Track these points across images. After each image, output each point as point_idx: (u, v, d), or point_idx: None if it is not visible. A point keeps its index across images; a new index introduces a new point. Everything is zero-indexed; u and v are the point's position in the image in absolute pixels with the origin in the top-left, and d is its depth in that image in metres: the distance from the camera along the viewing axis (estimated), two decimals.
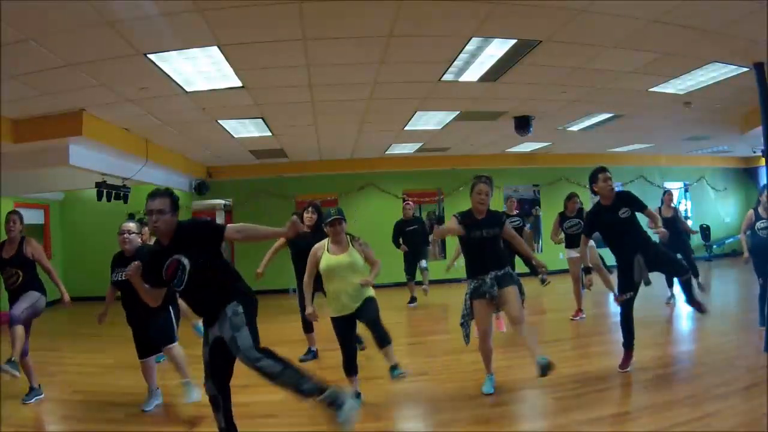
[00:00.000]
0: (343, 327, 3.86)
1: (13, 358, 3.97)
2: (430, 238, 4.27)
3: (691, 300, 4.50)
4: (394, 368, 3.81)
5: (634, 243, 4.28)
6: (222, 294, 2.90)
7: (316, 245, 3.99)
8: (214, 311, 2.89)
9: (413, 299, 8.59)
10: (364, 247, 3.92)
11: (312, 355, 5.24)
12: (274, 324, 6.74)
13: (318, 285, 3.99)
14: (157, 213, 2.84)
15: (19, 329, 4.06)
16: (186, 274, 2.81)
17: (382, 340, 3.81)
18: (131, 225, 3.98)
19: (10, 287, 4.25)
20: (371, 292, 3.93)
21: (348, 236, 3.93)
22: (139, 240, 4.04)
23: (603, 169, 4.31)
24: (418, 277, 8.57)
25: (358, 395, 3.90)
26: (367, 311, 3.83)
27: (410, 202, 8.88)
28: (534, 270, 5.84)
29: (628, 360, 4.36)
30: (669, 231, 6.12)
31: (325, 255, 3.87)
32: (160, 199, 2.87)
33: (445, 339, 6.16)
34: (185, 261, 2.81)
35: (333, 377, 4.10)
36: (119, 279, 3.90)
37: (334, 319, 3.90)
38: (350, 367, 3.89)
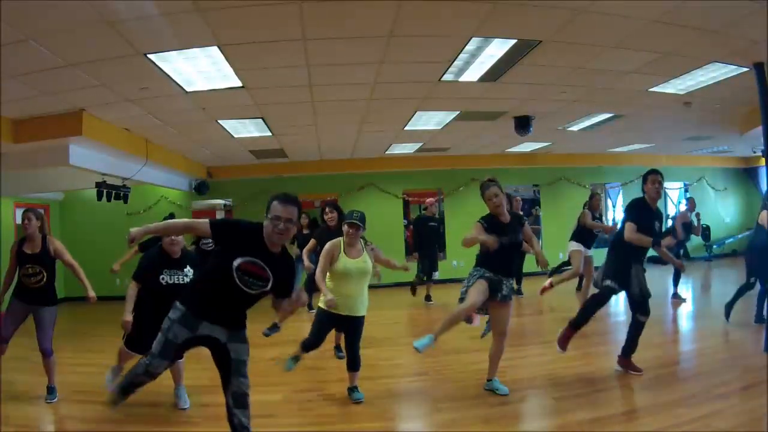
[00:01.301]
0: (328, 321, 3.96)
1: (53, 386, 4.24)
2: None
3: (630, 345, 4.34)
4: (355, 390, 4.00)
5: (644, 255, 4.31)
6: (245, 318, 2.86)
7: (332, 242, 4.01)
8: (232, 323, 2.78)
9: (428, 297, 8.71)
10: (376, 251, 4.05)
11: (277, 329, 5.61)
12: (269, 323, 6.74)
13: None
14: (287, 221, 2.66)
15: (54, 359, 4.26)
16: (260, 291, 2.71)
17: (355, 364, 3.98)
18: None
19: (34, 285, 4.17)
20: (365, 310, 3.99)
21: (362, 240, 4.01)
22: (183, 242, 3.97)
23: (655, 172, 4.31)
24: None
25: (296, 358, 4.09)
26: (354, 336, 3.94)
27: (433, 200, 9.24)
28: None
29: (568, 339, 4.30)
30: (686, 233, 7.52)
31: (342, 257, 3.90)
32: (293, 207, 2.68)
33: (445, 339, 6.14)
34: (271, 282, 2.70)
35: (339, 375, 4.11)
36: (172, 282, 3.76)
37: (322, 310, 3.95)
38: (308, 348, 4.00)
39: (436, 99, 6.26)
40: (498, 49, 4.64)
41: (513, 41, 4.46)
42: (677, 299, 7.53)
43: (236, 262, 2.64)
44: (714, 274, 11.18)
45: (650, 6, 3.78)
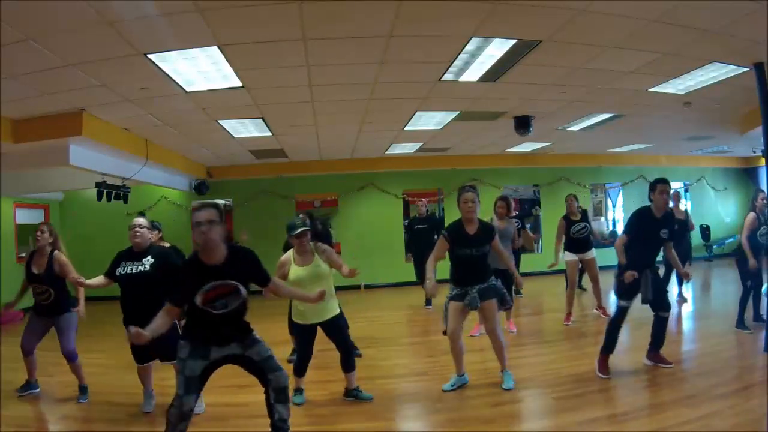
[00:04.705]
0: (304, 333, 3.93)
1: (83, 385, 4.32)
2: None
3: (657, 340, 4.46)
4: (358, 391, 4.04)
5: (652, 261, 4.33)
6: (245, 322, 2.89)
7: (283, 257, 3.98)
8: (235, 335, 2.83)
9: (428, 301, 8.36)
10: (328, 254, 3.92)
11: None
12: (269, 324, 6.74)
13: None
14: (208, 223, 2.65)
15: (78, 362, 4.32)
16: (240, 304, 2.72)
17: (349, 366, 4.00)
18: (141, 220, 3.96)
19: (43, 302, 4.27)
20: (336, 308, 3.97)
21: (312, 245, 3.93)
22: (150, 236, 4.00)
23: (663, 181, 4.30)
24: None
25: (301, 391, 4.03)
26: (338, 335, 3.93)
27: (423, 200, 9.01)
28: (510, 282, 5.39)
29: (605, 364, 4.31)
30: (680, 232, 6.60)
31: (293, 267, 3.87)
32: (210, 209, 2.71)
33: (445, 339, 6.13)
34: (243, 290, 2.70)
35: (334, 377, 4.11)
36: (125, 273, 3.80)
37: (296, 324, 3.99)
38: (301, 370, 4.00)
39: (436, 99, 6.25)
40: (498, 49, 4.64)
41: (513, 41, 4.46)
42: (681, 299, 7.52)
43: (198, 301, 2.65)
44: (714, 274, 11.18)
45: (650, 6, 3.78)
